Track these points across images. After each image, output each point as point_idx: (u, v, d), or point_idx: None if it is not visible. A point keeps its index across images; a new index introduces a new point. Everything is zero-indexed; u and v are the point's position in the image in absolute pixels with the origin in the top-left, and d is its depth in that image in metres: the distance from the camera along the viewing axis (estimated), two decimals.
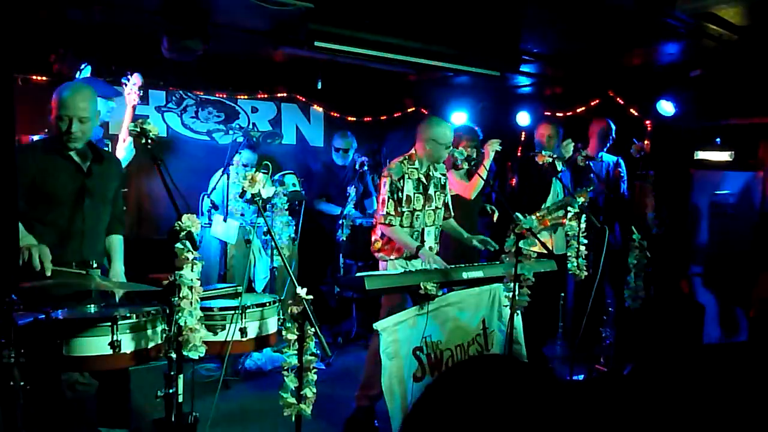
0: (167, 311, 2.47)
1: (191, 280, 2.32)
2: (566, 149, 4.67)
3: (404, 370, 3.29)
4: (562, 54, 5.20)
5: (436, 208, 3.94)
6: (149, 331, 2.42)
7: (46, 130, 4.33)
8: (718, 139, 5.63)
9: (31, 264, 2.41)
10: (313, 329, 2.43)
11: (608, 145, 5.11)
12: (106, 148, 3.69)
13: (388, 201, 3.73)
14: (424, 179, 3.85)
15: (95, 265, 2.45)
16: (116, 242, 3.09)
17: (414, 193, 3.81)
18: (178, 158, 5.51)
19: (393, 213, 3.73)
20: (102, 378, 2.94)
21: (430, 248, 3.87)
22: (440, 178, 3.98)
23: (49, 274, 2.44)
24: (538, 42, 4.97)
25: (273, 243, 4.32)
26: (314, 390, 2.50)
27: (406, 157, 3.86)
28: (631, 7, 3.76)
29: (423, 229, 3.87)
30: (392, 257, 3.82)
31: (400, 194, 3.74)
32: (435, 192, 3.92)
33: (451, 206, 4.11)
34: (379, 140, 6.80)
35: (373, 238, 3.91)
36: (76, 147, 2.83)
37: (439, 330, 3.48)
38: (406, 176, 3.77)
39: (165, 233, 4.29)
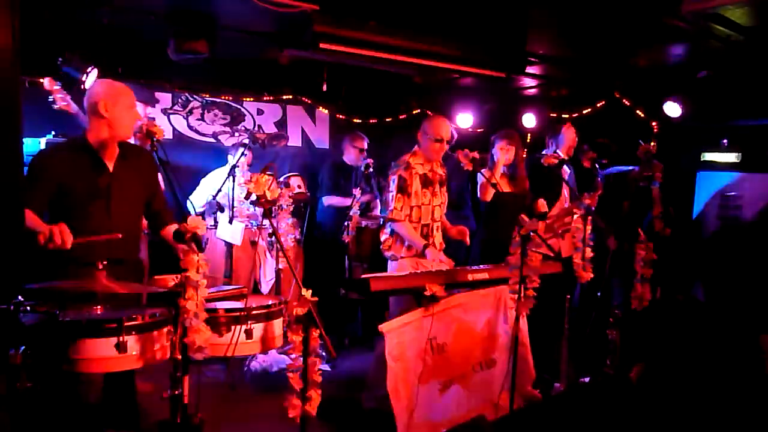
0: (173, 312, 2.47)
1: (196, 281, 2.32)
2: (569, 133, 4.68)
3: (409, 371, 3.28)
4: (568, 55, 5.19)
5: (441, 203, 3.96)
6: (155, 333, 2.42)
7: (53, 132, 4.36)
8: (725, 141, 5.60)
9: (54, 241, 2.39)
10: (318, 331, 2.43)
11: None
12: None
13: (396, 196, 3.77)
14: (429, 175, 3.88)
15: (100, 267, 2.45)
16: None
17: (421, 189, 3.83)
18: (184, 160, 5.53)
19: (401, 208, 3.76)
20: (107, 379, 2.95)
21: (441, 244, 3.89)
22: (442, 175, 4.01)
23: (69, 246, 2.43)
24: (543, 43, 4.96)
25: (278, 245, 4.33)
26: (319, 392, 2.50)
27: (412, 153, 3.91)
28: (637, 8, 3.75)
29: (431, 225, 3.88)
30: (402, 255, 3.83)
31: (409, 189, 3.77)
32: (440, 188, 3.95)
33: (446, 204, 4.13)
34: (385, 142, 6.80)
35: (382, 237, 3.93)
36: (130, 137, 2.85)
37: (444, 332, 3.48)
38: (413, 171, 3.80)
39: (172, 235, 4.28)
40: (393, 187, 3.79)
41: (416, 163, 3.85)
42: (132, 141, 3.01)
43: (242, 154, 4.86)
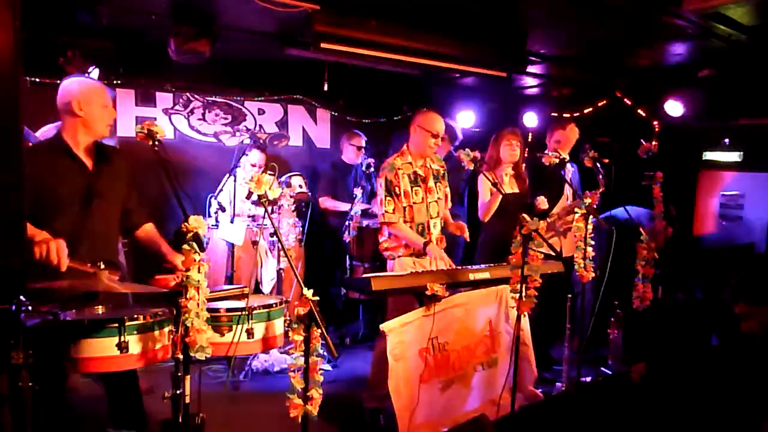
0: (174, 312, 2.48)
1: (198, 281, 2.32)
2: (572, 133, 4.66)
3: (411, 371, 3.28)
4: (570, 55, 5.19)
5: (438, 199, 3.94)
6: (156, 333, 2.42)
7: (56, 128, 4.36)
8: (726, 140, 5.60)
9: (49, 258, 2.38)
10: (319, 330, 2.43)
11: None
12: None
13: (386, 199, 3.75)
14: (420, 172, 3.85)
15: (102, 266, 2.45)
16: (152, 230, 3.03)
17: (411, 187, 3.80)
18: (185, 160, 5.54)
19: (392, 211, 3.75)
20: (108, 379, 2.95)
21: (440, 240, 3.88)
22: (439, 170, 3.98)
23: (64, 269, 2.41)
24: (545, 43, 4.96)
25: (280, 244, 4.33)
26: (321, 391, 2.50)
27: (399, 153, 3.89)
28: (638, 7, 3.74)
29: (428, 222, 3.86)
30: (400, 254, 3.82)
31: (397, 190, 3.75)
32: (436, 183, 3.92)
33: (450, 198, 4.11)
34: (386, 141, 6.80)
35: (380, 239, 3.92)
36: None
37: (445, 331, 3.48)
38: (400, 172, 3.78)
39: (172, 234, 4.30)
40: (381, 190, 3.77)
41: (403, 163, 3.82)
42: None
43: (243, 153, 4.86)
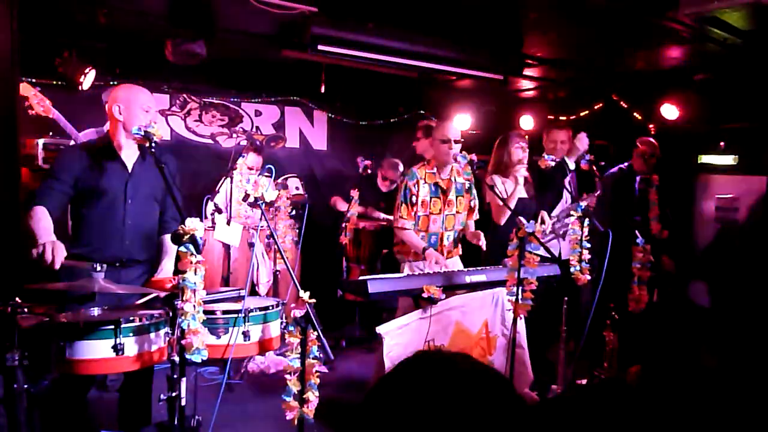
0: (170, 314, 2.47)
1: (194, 283, 2.32)
2: (581, 142, 4.62)
3: None
4: (566, 58, 5.20)
5: (457, 212, 3.96)
6: (152, 335, 2.42)
7: (50, 133, 4.36)
8: (722, 143, 5.62)
9: (43, 257, 2.43)
10: (315, 333, 2.43)
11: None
12: None
13: (402, 205, 3.82)
14: (442, 184, 3.87)
15: (99, 268, 2.45)
16: (167, 241, 3.03)
17: (431, 198, 3.84)
18: (181, 162, 5.51)
19: (405, 217, 3.81)
20: (126, 376, 2.98)
21: (449, 252, 3.90)
22: (464, 183, 4.00)
23: (57, 267, 2.45)
24: (541, 46, 4.97)
25: (276, 246, 4.33)
26: (317, 393, 2.50)
27: (425, 162, 3.95)
28: (634, 10, 3.76)
29: (442, 233, 3.89)
30: (410, 259, 3.90)
31: (414, 198, 3.80)
32: (457, 197, 3.94)
33: (477, 209, 4.11)
34: (382, 143, 6.80)
35: (395, 241, 4.02)
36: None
37: (442, 334, 3.48)
38: (422, 181, 3.83)
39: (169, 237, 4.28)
40: (399, 195, 3.86)
41: (427, 173, 3.87)
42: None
43: (240, 155, 4.85)
